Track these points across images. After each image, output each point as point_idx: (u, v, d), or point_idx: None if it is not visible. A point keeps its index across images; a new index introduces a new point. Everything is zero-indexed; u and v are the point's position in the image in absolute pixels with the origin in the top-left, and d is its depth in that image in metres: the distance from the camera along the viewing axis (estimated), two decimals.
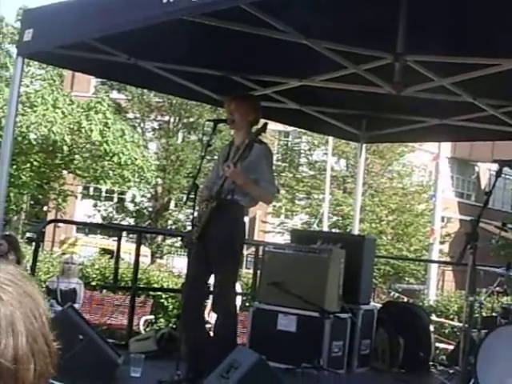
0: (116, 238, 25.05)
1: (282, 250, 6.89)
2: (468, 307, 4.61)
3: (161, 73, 6.94)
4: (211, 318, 12.46)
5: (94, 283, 13.96)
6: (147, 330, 12.06)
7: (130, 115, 28.22)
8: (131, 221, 28.52)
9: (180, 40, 5.99)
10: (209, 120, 6.42)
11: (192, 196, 5.50)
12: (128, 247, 17.08)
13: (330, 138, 25.32)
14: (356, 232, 9.36)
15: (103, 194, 30.42)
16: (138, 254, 7.95)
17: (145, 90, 26.71)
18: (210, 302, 11.63)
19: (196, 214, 5.70)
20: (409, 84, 6.66)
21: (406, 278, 27.83)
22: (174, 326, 7.40)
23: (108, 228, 26.11)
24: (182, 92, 8.13)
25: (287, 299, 6.49)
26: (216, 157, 25.62)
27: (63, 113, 21.03)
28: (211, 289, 6.02)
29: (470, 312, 4.45)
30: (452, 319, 11.69)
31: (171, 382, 5.19)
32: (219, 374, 4.25)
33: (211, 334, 5.91)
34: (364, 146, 9.34)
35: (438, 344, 9.42)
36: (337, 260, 6.69)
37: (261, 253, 7.56)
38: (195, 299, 5.73)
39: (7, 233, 10.40)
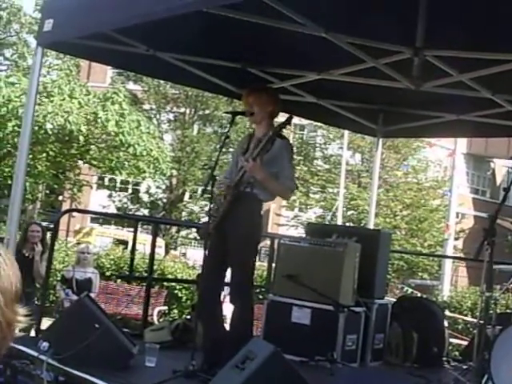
0: (130, 229, 25.12)
1: (297, 243, 6.90)
2: (484, 303, 4.60)
3: (179, 64, 6.95)
4: (224, 310, 12.53)
5: (108, 273, 14.04)
6: (161, 320, 12.12)
7: (146, 106, 28.25)
8: (145, 212, 28.58)
9: (198, 32, 6.00)
10: (226, 112, 6.51)
11: (209, 188, 5.51)
12: (142, 238, 17.14)
13: (346, 132, 25.28)
14: (371, 226, 9.35)
15: (118, 185, 30.48)
16: (153, 245, 7.98)
17: (161, 82, 26.71)
18: (226, 295, 11.68)
19: (213, 205, 5.71)
20: (427, 79, 6.65)
21: (420, 274, 27.78)
22: (189, 317, 7.42)
23: (124, 218, 26.20)
24: (200, 84, 8.13)
25: (302, 292, 6.51)
26: (232, 149, 25.64)
27: (79, 103, 21.06)
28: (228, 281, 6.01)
29: (486, 308, 4.44)
30: (466, 315, 11.68)
31: (186, 371, 5.21)
32: (234, 365, 4.27)
33: (227, 326, 5.92)
34: (380, 140, 9.33)
35: (451, 340, 9.41)
36: (352, 254, 6.70)
37: (276, 245, 7.57)
38: (211, 291, 5.75)
39: (43, 224, 10.55)
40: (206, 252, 5.70)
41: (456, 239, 27.64)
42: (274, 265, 7.65)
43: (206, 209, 20.16)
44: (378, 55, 6.34)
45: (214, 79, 7.40)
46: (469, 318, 11.46)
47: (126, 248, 18.42)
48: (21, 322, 1.55)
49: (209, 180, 5.55)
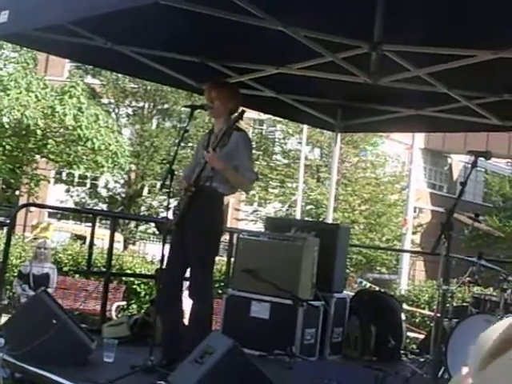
0: (88, 224, 24.93)
1: (256, 238, 6.90)
2: (440, 296, 4.65)
3: (138, 58, 6.91)
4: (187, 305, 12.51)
5: (66, 268, 13.91)
6: (119, 315, 12.04)
7: (105, 100, 28.04)
8: (104, 206, 28.39)
9: (157, 25, 5.97)
10: (185, 106, 6.49)
11: (167, 183, 5.49)
12: (101, 233, 17.02)
13: (305, 127, 25.37)
14: (330, 221, 9.39)
15: (76, 180, 30.22)
16: (112, 240, 7.92)
17: (119, 76, 26.54)
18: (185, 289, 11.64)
19: (174, 201, 5.70)
20: (385, 74, 6.69)
21: (378, 268, 28.00)
22: (147, 312, 7.38)
23: (82, 213, 26.00)
24: (159, 78, 8.10)
25: (261, 286, 6.52)
26: (191, 144, 25.55)
27: (37, 97, 20.84)
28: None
29: (443, 301, 4.49)
30: (423, 308, 11.79)
31: (144, 367, 5.19)
32: (193, 360, 4.26)
33: (186, 321, 5.91)
34: (339, 135, 9.37)
35: (408, 333, 9.50)
36: (311, 248, 6.72)
37: (235, 240, 7.56)
38: (172, 286, 5.73)
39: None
40: (168, 247, 5.68)
41: (414, 234, 27.90)
42: (233, 259, 7.64)
43: (165, 203, 20.14)
44: (336, 49, 6.35)
45: (173, 73, 7.36)
46: (426, 312, 11.57)
47: (84, 243, 18.27)
48: None
49: (167, 174, 5.52)
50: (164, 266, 5.64)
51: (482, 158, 5.05)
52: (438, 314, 6.00)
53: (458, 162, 41.32)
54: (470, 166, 4.96)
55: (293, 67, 7.03)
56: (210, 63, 7.11)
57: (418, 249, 28.80)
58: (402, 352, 7.40)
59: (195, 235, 5.52)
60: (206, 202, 5.57)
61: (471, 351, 0.87)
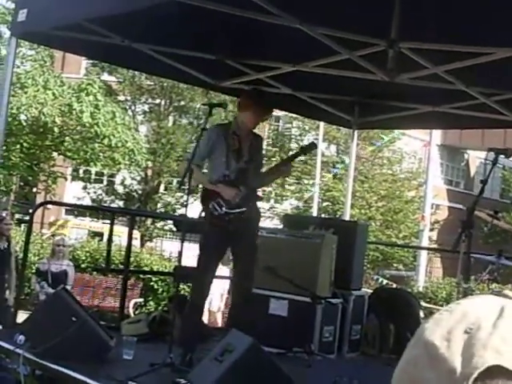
0: (105, 221, 24.98)
1: (274, 235, 6.92)
2: (461, 294, 4.64)
3: (155, 55, 6.94)
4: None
5: (83, 266, 13.97)
6: (137, 312, 12.09)
7: (121, 98, 28.05)
8: (120, 203, 28.44)
9: (175, 23, 5.98)
10: (204, 104, 6.52)
11: (186, 180, 5.52)
12: (117, 230, 17.05)
13: (321, 124, 25.30)
14: (347, 218, 9.39)
15: (93, 177, 30.29)
16: (130, 237, 7.96)
17: (136, 73, 26.54)
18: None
19: (192, 198, 5.76)
20: (402, 71, 6.67)
21: (395, 265, 27.92)
22: (166, 309, 7.41)
23: (100, 210, 26.07)
24: (175, 75, 8.13)
25: (279, 284, 6.52)
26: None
27: (54, 94, 20.90)
28: None
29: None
30: (441, 305, 11.75)
31: (164, 364, 5.20)
32: (213, 358, 4.27)
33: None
34: (356, 132, 9.36)
35: None
36: (329, 245, 6.72)
37: None
38: (209, 284, 5.87)
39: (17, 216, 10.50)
40: (208, 246, 5.85)
41: (431, 230, 27.80)
42: None
43: (181, 200, 20.04)
44: (353, 47, 6.35)
45: (190, 71, 7.39)
46: None
47: (102, 240, 18.35)
48: None
49: (186, 172, 5.54)
50: (202, 265, 5.81)
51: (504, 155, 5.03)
52: None
53: (475, 158, 41.12)
54: (487, 162, 4.95)
55: (309, 65, 7.03)
56: (227, 61, 7.12)
57: (435, 246, 28.70)
58: None
59: (246, 237, 5.93)
60: (255, 206, 6.14)
61: None
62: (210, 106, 5.99)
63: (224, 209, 5.83)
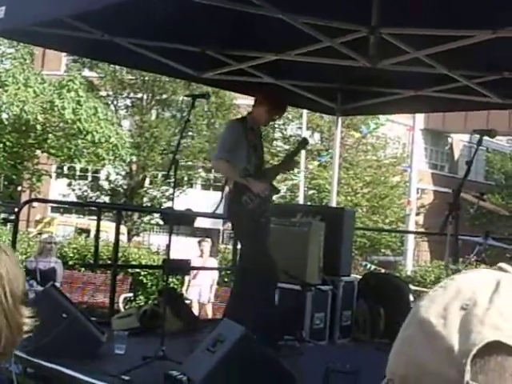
0: (92, 217, 24.86)
1: None
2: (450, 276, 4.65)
3: (136, 49, 6.91)
4: (189, 294, 12.56)
5: (71, 262, 13.93)
6: (127, 307, 12.08)
7: (103, 93, 27.93)
8: (106, 199, 28.36)
9: (155, 16, 5.97)
10: (187, 95, 6.52)
11: (172, 172, 5.52)
12: (104, 226, 17.01)
13: (304, 112, 25.32)
14: (333, 205, 9.41)
15: (77, 173, 30.18)
16: (118, 232, 7.95)
17: (117, 67, 26.44)
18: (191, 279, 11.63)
19: (178, 191, 5.77)
20: (384, 57, 6.68)
21: (382, 250, 28.01)
22: (156, 303, 7.40)
23: (86, 206, 25.97)
24: (157, 68, 8.10)
25: None
26: (190, 133, 25.48)
27: (35, 92, 20.79)
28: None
29: None
30: (430, 288, 11.81)
31: (156, 357, 5.21)
32: (205, 348, 4.28)
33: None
34: (340, 119, 9.37)
35: None
36: (317, 233, 6.74)
37: None
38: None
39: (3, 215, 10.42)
40: (261, 235, 6.00)
41: (417, 215, 27.89)
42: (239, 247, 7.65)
43: (167, 193, 19.98)
44: (335, 34, 6.36)
45: (172, 63, 7.37)
46: None
47: (89, 236, 18.30)
48: (26, 324, 1.51)
49: (171, 164, 5.55)
50: (264, 254, 5.92)
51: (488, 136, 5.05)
52: None
53: (459, 142, 41.26)
54: (471, 144, 4.97)
55: (292, 53, 7.02)
56: (209, 52, 7.11)
57: (422, 229, 28.80)
58: None
59: None
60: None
61: None
62: (193, 97, 6.00)
63: (256, 202, 5.92)
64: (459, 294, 0.82)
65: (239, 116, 6.55)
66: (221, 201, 6.36)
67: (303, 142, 6.78)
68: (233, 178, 6.04)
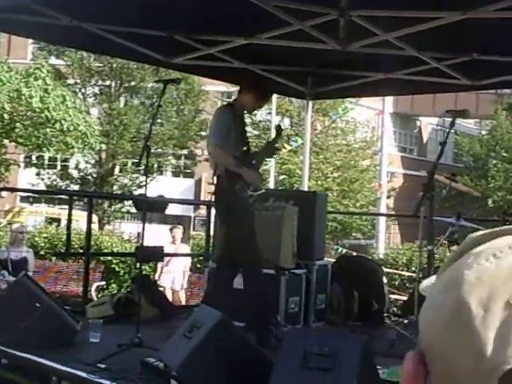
0: (62, 206, 24.62)
1: None
2: (426, 257, 4.68)
3: (105, 35, 6.83)
4: (162, 281, 12.52)
5: (42, 252, 13.82)
6: (99, 296, 12.02)
7: (71, 81, 27.68)
8: (76, 188, 28.16)
9: (123, 1, 5.91)
10: (158, 81, 6.44)
11: (144, 159, 5.49)
12: (74, 214, 16.87)
13: (274, 97, 25.27)
14: (305, 189, 9.40)
15: (46, 162, 29.91)
16: (90, 219, 7.90)
17: (84, 55, 26.22)
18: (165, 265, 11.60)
19: (149, 178, 5.73)
20: (353, 39, 6.67)
21: (353, 234, 28.15)
22: (130, 290, 7.37)
23: (59, 194, 25.74)
24: (126, 54, 8.04)
25: None
26: (160, 120, 25.33)
27: (1, 80, 20.53)
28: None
29: (429, 262, 4.53)
30: (402, 271, 11.89)
31: (132, 344, 5.19)
32: (182, 335, 4.26)
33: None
34: (310, 103, 9.36)
35: (389, 296, 9.57)
36: (290, 217, 6.74)
37: (214, 213, 7.55)
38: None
39: None
40: (246, 224, 5.96)
41: (387, 198, 28.06)
42: (212, 233, 7.64)
43: (137, 181, 19.82)
44: (304, 17, 6.33)
45: (140, 48, 7.29)
46: (407, 273, 11.66)
47: (59, 225, 18.17)
48: None
49: (143, 151, 5.51)
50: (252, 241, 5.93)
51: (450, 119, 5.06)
52: (421, 275, 6.07)
53: (427, 125, 41.51)
54: (438, 127, 4.99)
55: (261, 37, 6.99)
56: (177, 37, 7.05)
57: (393, 213, 28.98)
58: (386, 315, 7.47)
59: None
60: None
61: None
62: (165, 83, 5.95)
63: (249, 191, 5.94)
64: (511, 280, 0.70)
65: (225, 103, 6.57)
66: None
67: (279, 129, 6.69)
68: (229, 166, 5.90)
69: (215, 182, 6.04)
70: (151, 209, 6.12)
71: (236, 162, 5.93)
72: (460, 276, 0.72)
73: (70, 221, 8.25)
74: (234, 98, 6.57)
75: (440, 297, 0.74)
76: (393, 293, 10.89)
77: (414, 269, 11.14)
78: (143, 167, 5.72)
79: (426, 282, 0.82)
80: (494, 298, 0.69)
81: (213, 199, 6.37)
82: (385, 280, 7.72)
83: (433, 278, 0.81)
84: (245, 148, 6.16)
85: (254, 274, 5.98)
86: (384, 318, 7.37)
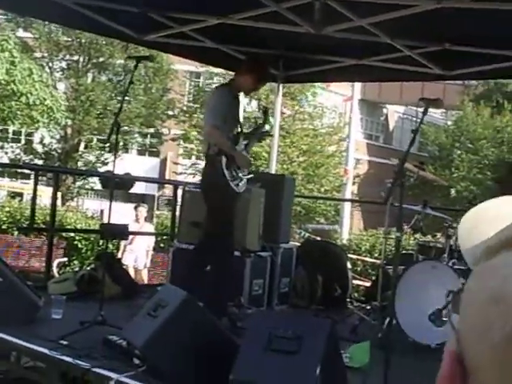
0: (25, 181, 24.35)
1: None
2: (395, 244, 4.70)
3: (77, 8, 6.75)
4: (124, 259, 12.46)
5: (4, 226, 13.67)
6: (60, 272, 11.93)
7: (38, 54, 27.34)
8: (40, 162, 27.90)
9: None
10: (130, 57, 6.36)
11: (113, 135, 5.44)
12: (37, 189, 16.71)
13: None
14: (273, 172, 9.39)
15: (10, 136, 29.57)
16: (55, 195, 7.81)
17: (53, 28, 25.91)
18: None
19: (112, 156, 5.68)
20: (328, 23, 6.66)
21: (317, 219, 28.23)
22: (93, 267, 7.31)
23: (25, 169, 25.46)
24: (98, 29, 7.94)
25: None
26: (127, 98, 25.19)
27: None
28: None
29: (397, 248, 4.55)
30: (365, 257, 11.94)
31: (94, 322, 5.15)
32: (146, 313, 4.24)
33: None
34: (281, 86, 9.33)
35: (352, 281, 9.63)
36: (257, 199, 6.73)
37: (180, 193, 7.53)
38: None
39: None
40: (227, 207, 5.91)
41: (352, 184, 28.18)
42: (178, 212, 7.61)
43: (102, 158, 19.68)
44: None
45: (112, 24, 7.22)
46: (371, 260, 11.72)
47: (22, 200, 17.98)
48: None
49: (112, 128, 5.46)
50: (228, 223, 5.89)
51: (417, 108, 5.07)
52: (385, 261, 6.11)
53: (394, 113, 41.70)
54: (405, 116, 5.00)
55: (235, 17, 6.95)
56: (150, 14, 6.98)
57: (357, 199, 29.12)
58: (348, 300, 7.51)
59: None
60: None
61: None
62: (137, 59, 5.88)
63: (240, 174, 5.92)
64: None
65: (223, 83, 6.51)
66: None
67: (265, 112, 6.64)
68: (223, 147, 5.84)
69: (205, 161, 6.02)
70: (118, 186, 6.06)
71: (230, 144, 5.89)
72: (509, 295, 0.61)
73: (35, 196, 8.16)
74: (230, 78, 6.49)
75: (485, 308, 0.63)
76: (355, 278, 10.95)
77: (376, 255, 11.20)
78: (110, 144, 5.68)
79: (464, 236, 0.73)
80: None
81: (200, 177, 6.35)
82: (349, 265, 7.76)
83: (473, 230, 0.72)
84: (238, 130, 6.11)
85: (225, 258, 5.93)
86: (347, 303, 7.41)
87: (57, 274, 11.00)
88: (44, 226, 11.58)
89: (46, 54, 27.65)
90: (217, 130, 5.80)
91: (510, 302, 0.60)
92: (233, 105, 6.00)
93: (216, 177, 5.79)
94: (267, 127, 7.00)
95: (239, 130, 6.10)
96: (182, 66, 27.84)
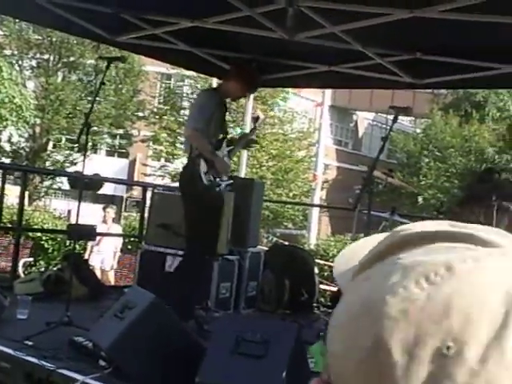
0: None
1: (171, 192, 6.87)
2: None
3: (49, 7, 6.71)
4: (91, 260, 12.40)
5: None
6: (26, 272, 11.84)
7: (7, 52, 27.14)
8: (7, 161, 27.67)
9: None
10: (101, 57, 6.34)
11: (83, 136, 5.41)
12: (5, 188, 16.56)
13: (214, 82, 25.18)
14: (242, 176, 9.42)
15: None
16: (23, 194, 7.75)
17: (23, 26, 25.72)
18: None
19: (81, 156, 5.65)
20: (301, 29, 6.69)
21: (285, 223, 28.28)
22: (60, 268, 7.27)
23: None
24: (69, 28, 7.87)
25: (176, 241, 6.50)
26: (98, 98, 25.05)
27: None
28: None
29: None
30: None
31: (60, 323, 5.12)
32: (113, 315, 4.22)
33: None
34: None
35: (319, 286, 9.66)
36: (226, 203, 6.72)
37: (149, 195, 7.51)
38: None
39: None
40: (206, 213, 5.88)
41: (321, 189, 28.28)
42: (146, 214, 7.59)
43: (71, 158, 19.58)
44: (254, 4, 6.33)
45: (84, 23, 7.18)
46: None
47: None
48: None
49: (83, 128, 5.43)
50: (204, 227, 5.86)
51: (387, 115, 5.13)
52: None
53: (363, 119, 41.94)
54: (374, 122, 5.04)
55: (209, 21, 6.95)
56: (123, 15, 6.96)
57: (328, 204, 29.24)
58: (315, 305, 7.54)
59: None
60: None
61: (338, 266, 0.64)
62: (109, 60, 5.87)
63: (219, 180, 5.91)
64: (448, 315, 0.54)
65: (210, 88, 6.49)
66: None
67: (256, 120, 6.66)
68: (203, 151, 5.84)
69: (185, 164, 6.02)
70: (86, 187, 6.03)
71: (211, 149, 5.88)
72: (380, 301, 0.57)
73: (2, 195, 8.08)
74: (217, 83, 6.55)
75: (356, 318, 0.59)
76: (322, 283, 10.99)
77: None
78: (79, 144, 5.65)
79: (340, 266, 0.68)
80: (422, 342, 0.54)
81: (178, 179, 6.33)
82: (316, 270, 7.79)
83: (350, 261, 0.67)
84: (222, 136, 6.11)
85: (194, 260, 5.92)
86: (313, 308, 7.44)
87: (22, 274, 10.92)
88: (11, 226, 11.48)
89: (15, 52, 27.44)
90: (197, 132, 5.80)
91: (381, 308, 0.56)
92: (218, 109, 6.00)
93: (192, 179, 5.80)
94: (254, 136, 7.04)
95: (223, 135, 6.11)
96: (154, 67, 27.79)
